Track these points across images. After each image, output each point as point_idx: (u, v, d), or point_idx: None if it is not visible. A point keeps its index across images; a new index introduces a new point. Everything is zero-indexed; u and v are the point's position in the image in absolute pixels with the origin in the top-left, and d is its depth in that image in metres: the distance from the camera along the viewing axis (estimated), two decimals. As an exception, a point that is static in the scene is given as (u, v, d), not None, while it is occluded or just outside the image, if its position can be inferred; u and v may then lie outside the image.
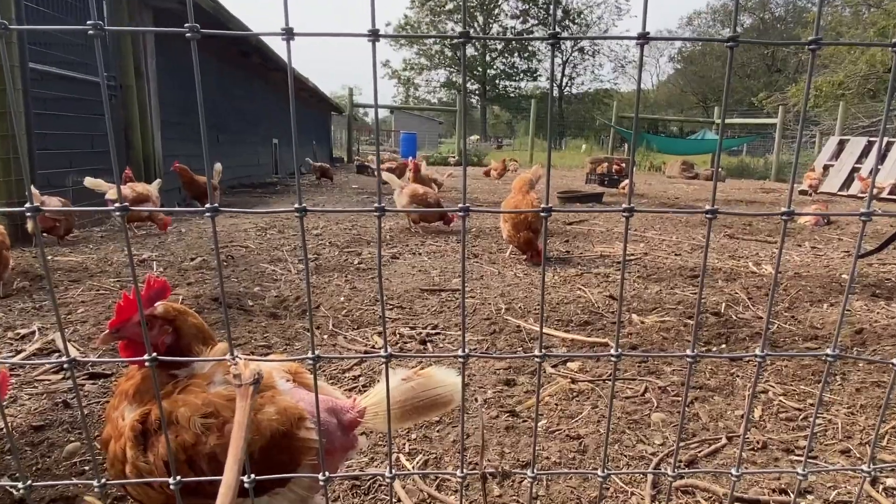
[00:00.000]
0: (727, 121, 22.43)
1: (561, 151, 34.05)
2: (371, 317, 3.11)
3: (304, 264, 0.80)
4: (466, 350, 0.84)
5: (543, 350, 0.86)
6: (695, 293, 3.72)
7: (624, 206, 0.79)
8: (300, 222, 0.78)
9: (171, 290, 1.28)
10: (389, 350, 0.81)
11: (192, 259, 4.29)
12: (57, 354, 2.44)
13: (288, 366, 1.36)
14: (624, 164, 13.90)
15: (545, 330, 2.95)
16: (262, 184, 11.67)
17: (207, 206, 0.73)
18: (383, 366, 2.47)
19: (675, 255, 5.02)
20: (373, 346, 2.67)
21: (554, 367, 2.52)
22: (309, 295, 0.86)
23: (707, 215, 0.78)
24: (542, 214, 0.80)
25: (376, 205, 0.78)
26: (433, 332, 2.91)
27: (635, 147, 0.85)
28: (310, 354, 0.81)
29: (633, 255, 4.92)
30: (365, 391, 2.22)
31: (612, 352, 0.87)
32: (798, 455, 1.87)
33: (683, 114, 42.79)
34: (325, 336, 2.80)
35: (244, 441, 0.93)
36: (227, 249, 4.69)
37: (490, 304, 3.39)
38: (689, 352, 0.88)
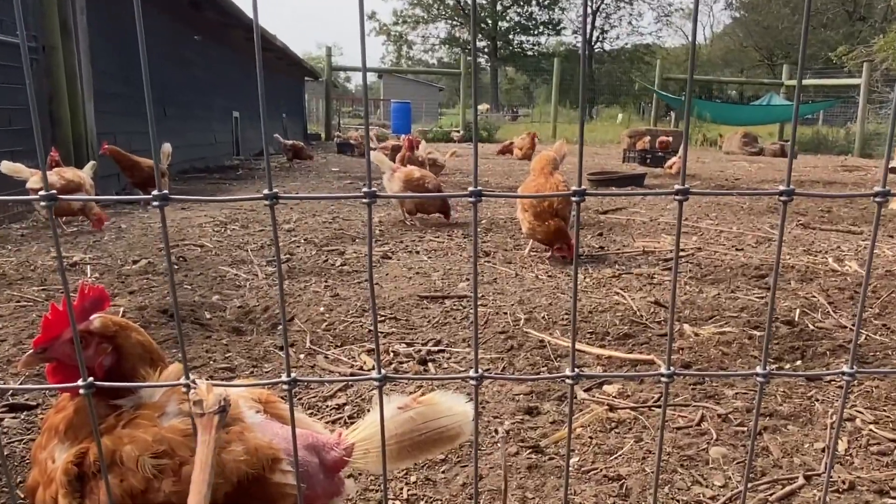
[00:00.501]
0: (790, 83, 22.39)
1: (591, 123, 34.07)
2: (357, 331, 3.11)
3: (277, 266, 0.80)
4: (479, 370, 0.84)
5: (576, 370, 0.86)
6: (761, 297, 3.71)
7: (676, 187, 0.78)
8: (271, 212, 0.77)
9: (109, 300, 1.28)
10: (383, 372, 0.81)
11: (135, 262, 4.30)
12: (-30, 382, 2.45)
13: (257, 393, 1.36)
14: (670, 139, 13.89)
15: (576, 346, 2.95)
16: (219, 168, 11.71)
17: (154, 193, 0.73)
18: (375, 391, 2.48)
19: (736, 249, 5.01)
20: (360, 368, 2.68)
21: (587, 390, 2.51)
22: (283, 305, 0.85)
23: (781, 197, 0.78)
24: (573, 199, 0.79)
25: (364, 189, 0.78)
26: (435, 349, 2.91)
27: (689, 113, 0.85)
28: (284, 377, 0.80)
29: (683, 250, 4.92)
30: (352, 423, 2.22)
31: (663, 370, 0.86)
32: (894, 497, 1.86)
33: (744, 74, 42.73)
34: (302, 356, 2.80)
35: (207, 486, 0.93)
36: (178, 249, 4.71)
37: (506, 313, 3.39)
38: (758, 369, 0.88)
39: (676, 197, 0.79)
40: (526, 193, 3.99)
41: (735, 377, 2.61)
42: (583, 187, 0.79)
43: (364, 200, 0.78)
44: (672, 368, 0.87)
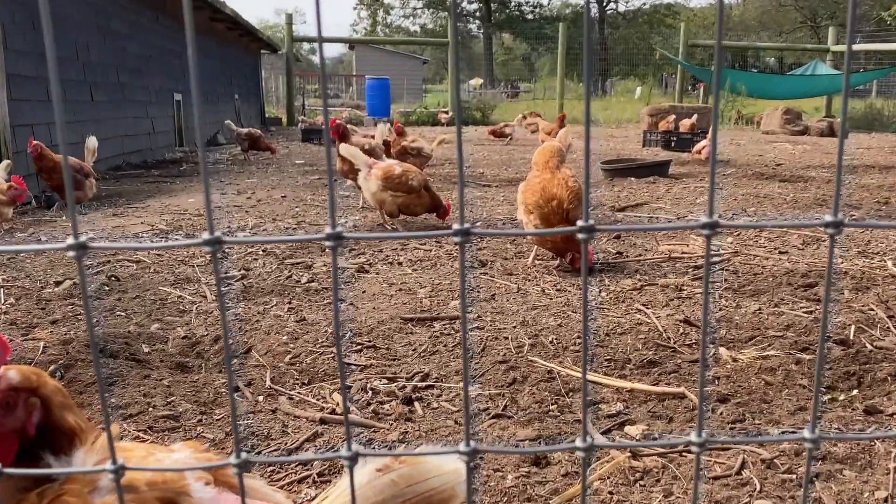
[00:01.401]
0: (837, 48, 22.58)
1: (605, 99, 34.19)
2: (329, 364, 3.09)
3: (222, 322, 0.79)
4: (471, 444, 0.83)
5: (589, 438, 0.85)
6: (810, 312, 3.72)
7: (703, 218, 0.78)
8: (213, 263, 0.76)
9: (9, 348, 1.27)
10: (354, 447, 0.80)
11: (58, 283, 4.26)
12: None
13: (207, 456, 1.34)
14: (694, 120, 13.94)
15: (589, 377, 2.95)
16: (159, 162, 11.66)
17: (71, 242, 0.71)
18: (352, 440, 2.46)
19: (780, 252, 5.04)
20: (332, 411, 2.66)
21: (606, 432, 2.51)
22: (231, 384, 0.84)
23: (828, 230, 0.77)
24: (579, 236, 0.78)
25: (328, 230, 0.76)
26: (423, 384, 2.90)
27: (718, 98, 0.86)
28: (233, 459, 0.79)
29: (715, 251, 4.93)
30: (323, 483, 2.21)
31: (693, 438, 0.85)
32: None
33: (783, 38, 43.04)
34: (261, 398, 2.78)
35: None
36: (109, 266, 4.67)
37: (507, 337, 3.38)
38: (806, 433, 0.87)
39: (703, 231, 0.78)
40: (528, 192, 4.00)
41: (780, 417, 2.61)
42: (590, 222, 0.78)
43: (328, 244, 0.77)
44: (704, 435, 0.86)
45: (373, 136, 9.01)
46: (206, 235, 0.77)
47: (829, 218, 0.82)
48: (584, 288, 0.80)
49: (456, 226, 0.80)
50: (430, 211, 6.06)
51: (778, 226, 0.80)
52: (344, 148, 6.22)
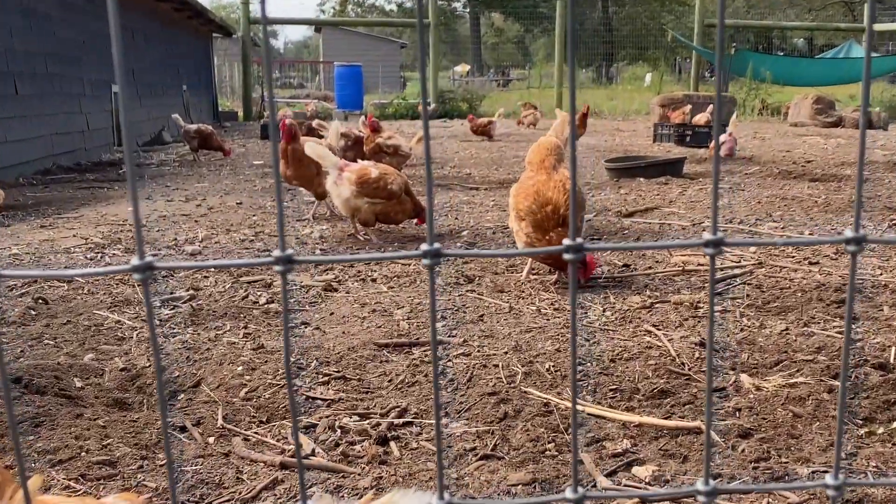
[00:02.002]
0: (879, 27, 22.80)
1: (610, 87, 34.40)
2: (297, 396, 3.08)
3: (156, 364, 0.79)
4: (445, 496, 0.83)
5: (581, 488, 0.86)
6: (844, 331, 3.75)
7: (706, 235, 0.79)
8: (144, 292, 0.76)
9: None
10: (317, 498, 0.81)
11: (-23, 307, 4.23)
12: None
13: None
14: (709, 112, 14.05)
15: (591, 409, 2.96)
16: (95, 164, 11.62)
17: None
18: (316, 487, 2.45)
19: (810, 263, 5.08)
20: (294, 454, 2.65)
21: (611, 475, 2.52)
22: (163, 404, 0.84)
23: (849, 247, 0.79)
24: (566, 256, 0.79)
25: (276, 252, 0.77)
26: (400, 421, 2.90)
27: (721, 89, 0.86)
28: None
29: (736, 262, 4.97)
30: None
31: (700, 487, 0.86)
32: None
33: (813, 17, 43.51)
34: (211, 439, 2.77)
35: None
36: (36, 287, 4.64)
37: (497, 365, 3.39)
38: (829, 478, 0.88)
39: (706, 250, 0.79)
40: (520, 198, 4.04)
41: (810, 454, 2.63)
42: (577, 240, 0.79)
43: (277, 268, 0.77)
44: (712, 483, 0.86)
45: (389, 136, 9.04)
46: (135, 260, 0.78)
47: (849, 233, 0.84)
48: (573, 314, 0.80)
49: (424, 246, 0.81)
50: (412, 217, 6.06)
51: (789, 244, 0.81)
52: (310, 147, 6.19)
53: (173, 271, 5.00)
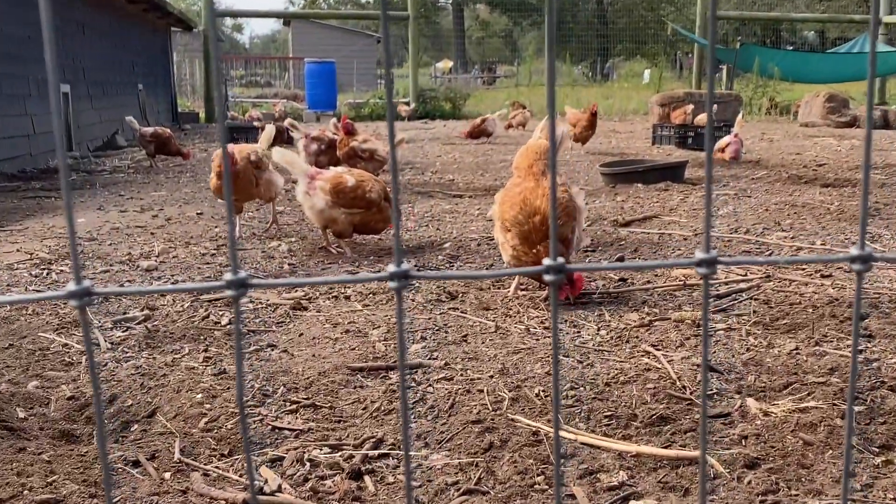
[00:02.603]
0: (889, 19, 23.03)
1: (605, 85, 34.58)
2: (256, 429, 3.07)
3: (96, 409, 0.79)
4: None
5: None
6: (860, 350, 3.78)
7: (698, 254, 0.79)
8: (82, 317, 0.76)
9: None
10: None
11: None
12: None
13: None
14: (718, 108, 14.16)
15: (584, 438, 2.96)
16: (42, 171, 11.56)
17: None
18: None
19: (822, 276, 5.12)
20: (260, 490, 2.64)
21: (605, 510, 2.52)
22: (101, 439, 0.84)
23: (854, 265, 0.79)
24: (547, 277, 0.79)
25: (228, 275, 0.77)
26: (375, 453, 2.89)
27: (713, 86, 0.87)
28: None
29: (742, 276, 4.99)
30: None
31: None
32: None
33: (824, 8, 43.93)
34: (167, 474, 2.75)
35: None
36: (-25, 307, 4.61)
37: (482, 390, 3.39)
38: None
39: (699, 269, 0.79)
40: (506, 207, 4.06)
41: (822, 486, 2.64)
42: (559, 260, 0.79)
43: (228, 292, 0.77)
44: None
45: (365, 139, 9.05)
46: (71, 286, 0.77)
47: (854, 251, 0.84)
48: (555, 343, 0.81)
49: (391, 267, 0.81)
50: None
51: (790, 262, 0.82)
52: (278, 153, 6.17)
53: (133, 279, 4.97)
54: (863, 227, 0.83)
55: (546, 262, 0.81)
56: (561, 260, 0.80)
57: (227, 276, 0.77)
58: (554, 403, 0.79)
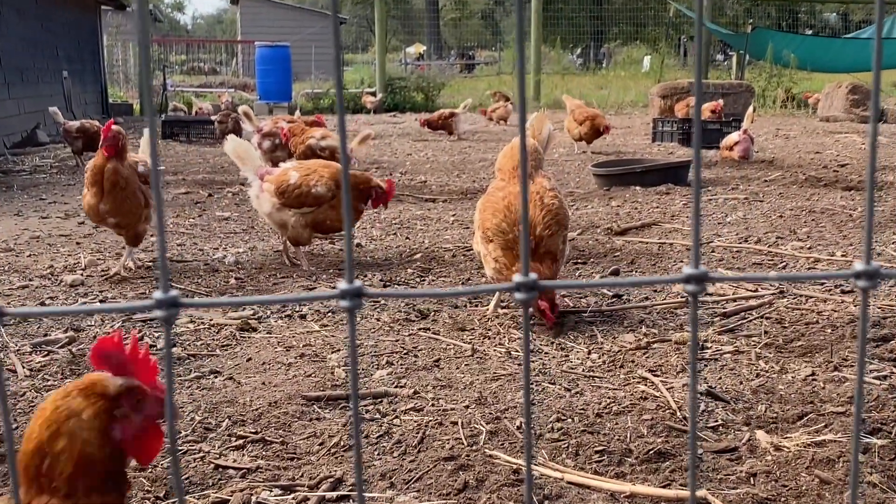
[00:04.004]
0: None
1: (599, 74, 34.72)
2: (198, 468, 3.07)
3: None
4: None
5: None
6: (885, 376, 3.82)
7: (686, 269, 0.81)
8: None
9: None
10: None
11: None
12: None
13: None
14: (721, 102, 14.23)
15: (571, 477, 2.98)
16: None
17: None
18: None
19: (842, 292, 5.16)
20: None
21: (594, 558, 2.53)
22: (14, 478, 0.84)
23: (859, 282, 0.82)
24: (516, 296, 0.81)
25: (157, 294, 0.78)
26: (333, 495, 2.89)
27: (700, 76, 0.89)
28: None
29: (752, 292, 5.03)
30: None
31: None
32: None
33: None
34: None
35: None
36: None
37: (456, 422, 3.40)
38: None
39: (687, 287, 0.81)
40: (487, 214, 4.09)
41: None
42: (531, 276, 0.81)
43: (157, 313, 0.78)
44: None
45: (324, 135, 9.04)
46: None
47: (859, 266, 0.87)
48: (526, 366, 0.82)
49: (342, 284, 0.82)
50: (361, 201, 6.01)
51: (784, 279, 0.84)
52: (230, 145, 6.14)
53: (56, 297, 4.95)
54: (868, 238, 0.86)
55: (516, 278, 0.82)
56: (533, 276, 0.82)
57: (157, 294, 0.79)
58: (526, 439, 0.81)
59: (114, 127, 5.75)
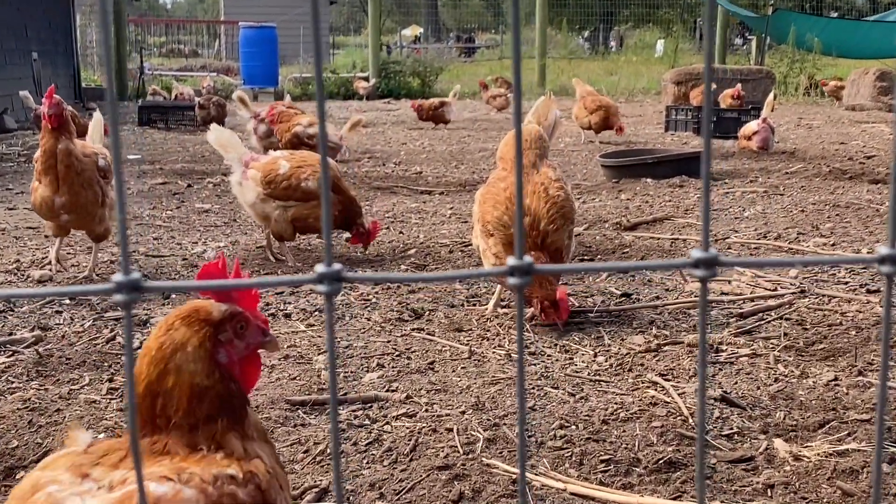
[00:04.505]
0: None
1: (609, 58, 34.71)
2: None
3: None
4: None
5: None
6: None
7: (695, 253, 0.80)
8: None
9: None
10: None
11: None
12: None
13: None
14: (744, 86, 14.21)
15: (575, 487, 2.97)
16: None
17: None
18: None
19: (868, 291, 5.16)
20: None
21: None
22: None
23: (883, 268, 0.80)
24: (510, 280, 0.80)
25: (117, 276, 0.77)
26: (318, 505, 2.89)
27: (711, 58, 0.88)
28: None
29: (771, 291, 5.02)
30: None
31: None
32: None
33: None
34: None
35: None
36: None
37: (451, 429, 3.39)
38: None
39: (695, 272, 0.80)
40: (488, 207, 4.08)
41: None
42: (526, 259, 0.80)
43: (117, 297, 0.77)
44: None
45: (312, 122, 8.98)
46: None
47: (884, 250, 0.85)
48: (520, 360, 0.81)
49: (320, 267, 0.81)
50: (341, 225, 5.94)
51: (807, 263, 0.83)
52: (213, 135, 6.13)
53: (12, 304, 4.94)
54: (894, 222, 0.85)
55: (510, 261, 0.81)
56: (528, 259, 0.81)
57: (117, 276, 0.77)
58: (520, 445, 0.80)
59: (55, 98, 5.31)
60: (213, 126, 6.39)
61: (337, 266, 0.80)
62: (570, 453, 3.22)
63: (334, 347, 0.83)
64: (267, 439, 1.94)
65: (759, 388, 3.78)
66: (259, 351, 1.97)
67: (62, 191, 5.21)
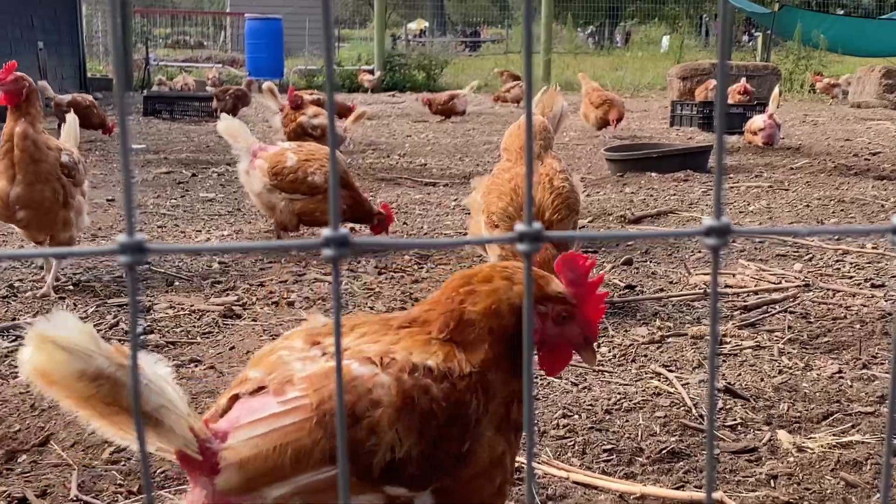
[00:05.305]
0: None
1: (615, 53, 34.68)
2: (173, 461, 3.04)
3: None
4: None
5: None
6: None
7: (706, 220, 0.79)
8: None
9: None
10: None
11: None
12: None
13: None
14: (750, 82, 14.19)
15: (577, 476, 2.96)
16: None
17: None
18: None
19: (873, 286, 5.15)
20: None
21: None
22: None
23: None
24: (519, 248, 0.79)
25: (121, 237, 0.76)
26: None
27: (724, 54, 0.87)
28: None
29: (776, 284, 5.01)
30: None
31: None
32: None
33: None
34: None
35: None
36: None
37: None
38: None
39: (707, 241, 0.79)
40: (493, 197, 4.05)
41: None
42: (535, 226, 0.78)
43: (122, 259, 0.76)
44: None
45: (316, 113, 8.96)
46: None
47: (897, 220, 0.84)
48: (528, 350, 0.80)
49: (326, 231, 0.80)
50: (354, 220, 5.91)
51: (819, 232, 0.82)
52: (223, 124, 6.13)
53: (16, 290, 4.94)
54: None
55: (518, 227, 0.80)
56: (538, 225, 0.80)
57: (121, 237, 0.76)
58: (528, 433, 0.79)
59: (17, 72, 4.81)
60: (223, 115, 6.40)
61: (343, 230, 0.79)
62: (573, 442, 3.21)
63: (340, 314, 0.82)
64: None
65: (762, 379, 3.77)
66: (573, 350, 2.07)
67: (17, 180, 4.69)
